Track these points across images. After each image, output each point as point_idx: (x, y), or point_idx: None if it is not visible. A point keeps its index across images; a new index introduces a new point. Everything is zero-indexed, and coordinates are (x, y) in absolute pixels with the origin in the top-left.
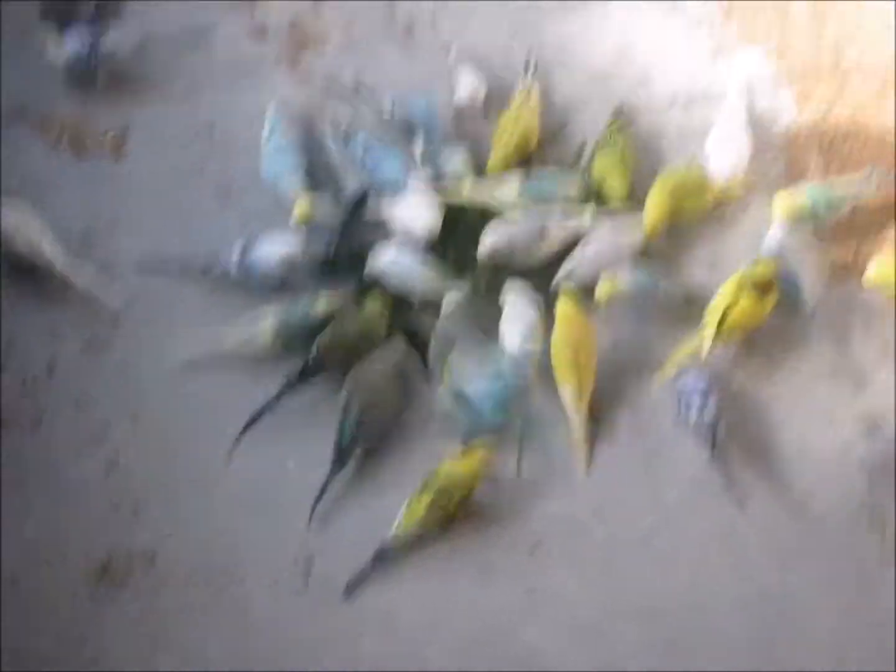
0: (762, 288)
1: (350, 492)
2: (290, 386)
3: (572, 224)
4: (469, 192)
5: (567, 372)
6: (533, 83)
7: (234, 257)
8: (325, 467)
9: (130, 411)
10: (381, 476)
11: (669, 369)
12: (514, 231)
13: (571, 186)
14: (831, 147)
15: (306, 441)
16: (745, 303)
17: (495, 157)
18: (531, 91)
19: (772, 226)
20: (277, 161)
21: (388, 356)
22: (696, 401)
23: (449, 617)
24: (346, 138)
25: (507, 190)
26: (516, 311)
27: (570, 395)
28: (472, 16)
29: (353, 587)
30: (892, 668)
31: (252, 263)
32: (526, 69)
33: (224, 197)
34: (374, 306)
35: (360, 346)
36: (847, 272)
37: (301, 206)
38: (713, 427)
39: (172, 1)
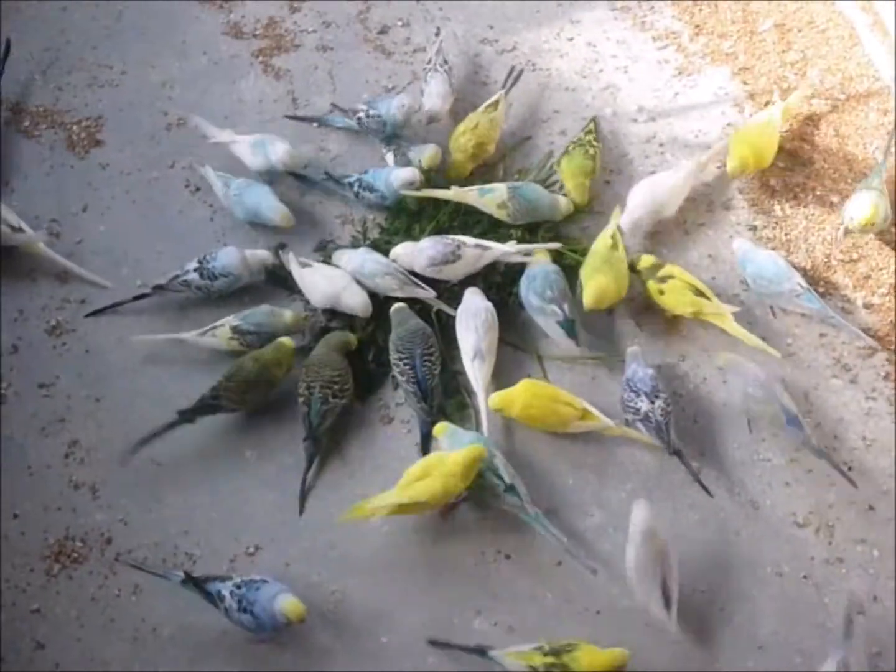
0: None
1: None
2: (181, 421)
3: (488, 248)
4: (456, 193)
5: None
6: (504, 96)
7: (192, 268)
8: (283, 459)
9: (93, 395)
10: (335, 468)
11: None
12: (417, 250)
13: (555, 202)
14: (793, 163)
15: (265, 433)
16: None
17: (454, 159)
18: (499, 103)
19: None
20: (248, 200)
21: (334, 342)
22: (643, 389)
23: (402, 609)
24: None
25: (494, 194)
26: (467, 319)
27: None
28: (444, 21)
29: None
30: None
31: (214, 269)
32: (506, 82)
33: (193, 191)
34: (274, 354)
35: (257, 388)
36: None
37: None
38: (666, 424)
39: None
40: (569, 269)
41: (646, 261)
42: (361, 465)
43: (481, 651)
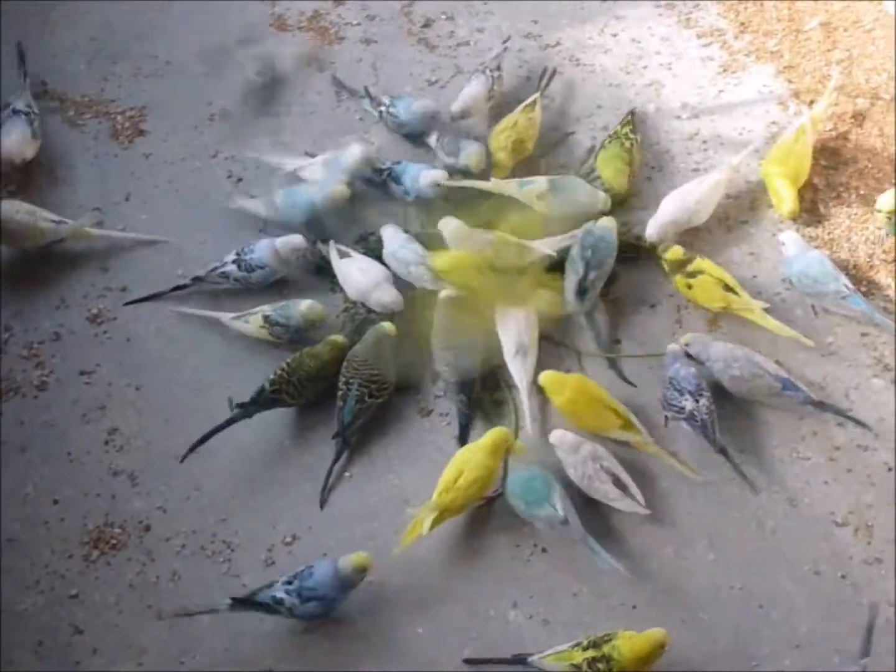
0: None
1: (341, 476)
2: (241, 415)
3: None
4: (496, 185)
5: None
6: (540, 96)
7: (230, 260)
8: (321, 449)
9: (133, 383)
10: (374, 459)
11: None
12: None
13: (594, 195)
14: (836, 162)
15: (304, 422)
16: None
17: (496, 157)
18: (536, 104)
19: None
20: (301, 199)
21: (375, 337)
22: (687, 388)
23: (439, 600)
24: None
25: (534, 186)
26: (508, 314)
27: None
28: (488, 15)
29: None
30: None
31: (251, 261)
32: (541, 82)
33: (235, 181)
34: (329, 351)
35: (316, 385)
36: None
37: None
38: (711, 422)
39: None
40: None
41: (675, 253)
42: (400, 457)
43: (520, 660)
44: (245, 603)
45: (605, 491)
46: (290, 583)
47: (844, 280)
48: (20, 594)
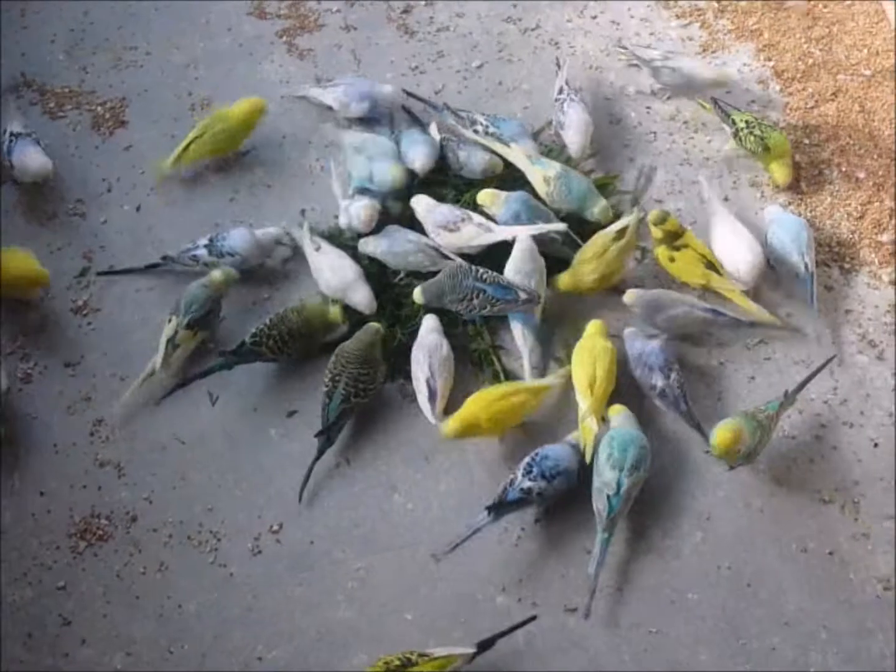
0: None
1: (328, 464)
2: (221, 365)
3: (490, 231)
4: (513, 154)
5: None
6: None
7: (203, 244)
8: (307, 437)
9: (118, 373)
10: (360, 446)
11: None
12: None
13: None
14: (818, 139)
15: (289, 411)
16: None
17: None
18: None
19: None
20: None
21: (367, 336)
22: (656, 364)
23: (426, 586)
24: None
25: (546, 168)
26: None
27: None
28: (468, 0)
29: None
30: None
31: (223, 248)
32: (638, 187)
33: (218, 170)
34: (316, 306)
35: (299, 341)
36: None
37: None
38: (683, 396)
39: None
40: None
41: (671, 224)
42: (385, 443)
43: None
44: (499, 509)
45: (416, 386)
46: (529, 471)
47: (808, 260)
48: (8, 587)
